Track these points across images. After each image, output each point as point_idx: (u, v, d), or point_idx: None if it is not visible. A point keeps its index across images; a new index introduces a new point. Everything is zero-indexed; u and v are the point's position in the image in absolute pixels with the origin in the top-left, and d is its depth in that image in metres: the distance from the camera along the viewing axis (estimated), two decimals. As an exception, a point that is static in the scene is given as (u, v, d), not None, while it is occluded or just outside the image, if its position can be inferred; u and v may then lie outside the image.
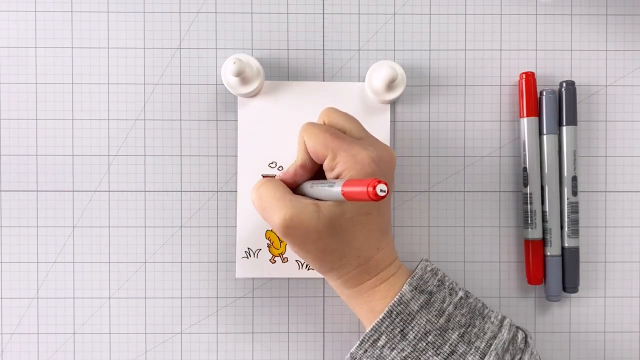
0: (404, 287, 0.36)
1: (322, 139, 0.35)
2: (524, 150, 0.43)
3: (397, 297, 0.35)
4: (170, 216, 0.44)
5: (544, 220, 0.43)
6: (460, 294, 0.37)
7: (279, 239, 0.43)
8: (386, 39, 0.44)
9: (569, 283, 0.43)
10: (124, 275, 0.43)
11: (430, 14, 0.44)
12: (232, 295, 0.44)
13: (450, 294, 0.37)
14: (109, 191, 0.43)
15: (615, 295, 0.44)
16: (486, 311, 0.37)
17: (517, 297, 0.44)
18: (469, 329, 0.36)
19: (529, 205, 0.43)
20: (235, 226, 0.43)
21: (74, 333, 0.44)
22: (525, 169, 0.43)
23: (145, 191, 0.43)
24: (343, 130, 0.37)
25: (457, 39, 0.44)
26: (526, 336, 0.37)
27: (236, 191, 0.43)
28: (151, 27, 0.43)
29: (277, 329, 0.44)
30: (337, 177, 0.35)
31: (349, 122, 0.37)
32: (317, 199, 0.35)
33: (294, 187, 0.38)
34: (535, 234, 0.43)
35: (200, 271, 0.44)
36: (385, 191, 0.27)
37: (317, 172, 0.38)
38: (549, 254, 0.43)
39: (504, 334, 0.36)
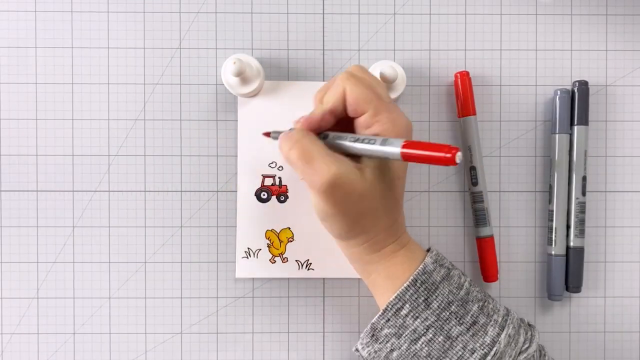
0: (427, 258, 0.36)
1: (367, 94, 0.35)
2: (470, 151, 0.42)
3: (420, 267, 0.36)
4: (170, 216, 0.44)
5: (549, 219, 0.43)
6: (469, 277, 0.38)
7: (279, 239, 0.43)
8: (386, 39, 0.44)
9: (573, 282, 0.43)
10: (124, 275, 0.43)
11: (430, 14, 0.44)
12: (232, 295, 0.44)
13: (464, 274, 0.38)
14: (109, 191, 0.43)
15: (615, 295, 0.44)
16: (492, 296, 0.39)
17: (516, 297, 0.44)
18: (486, 304, 0.37)
19: (477, 204, 0.43)
20: (235, 226, 0.43)
21: (74, 333, 0.44)
22: (473, 167, 0.43)
23: (145, 191, 0.43)
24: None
25: (457, 39, 0.44)
26: (528, 322, 0.39)
27: (236, 191, 0.43)
28: (151, 27, 0.43)
29: (277, 329, 0.44)
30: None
31: (381, 87, 0.37)
32: (348, 155, 0.34)
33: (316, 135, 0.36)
34: (486, 231, 0.43)
35: (200, 271, 0.44)
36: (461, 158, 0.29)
37: (337, 123, 0.37)
38: (553, 253, 0.43)
39: (514, 314, 0.37)
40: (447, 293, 0.35)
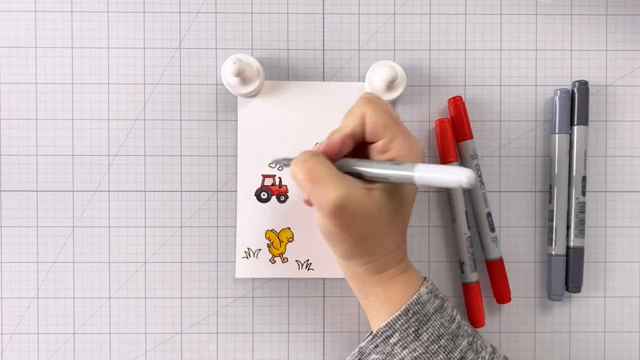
0: (422, 288, 0.36)
1: (385, 119, 0.35)
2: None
3: (414, 296, 0.35)
4: (170, 216, 0.44)
5: (549, 219, 0.43)
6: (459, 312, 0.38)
7: (279, 239, 0.43)
8: (386, 39, 0.44)
9: (573, 283, 0.43)
10: (124, 275, 0.43)
11: (430, 14, 0.44)
12: (232, 295, 0.44)
13: (456, 307, 0.38)
14: (109, 191, 0.43)
15: (615, 295, 0.44)
16: (479, 333, 0.38)
17: (517, 297, 0.44)
18: (475, 339, 0.36)
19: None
20: (235, 226, 0.43)
21: (74, 333, 0.44)
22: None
23: (145, 191, 0.43)
24: None
25: (457, 39, 0.44)
26: None
27: (236, 191, 0.43)
28: (151, 27, 0.43)
29: (277, 329, 0.44)
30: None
31: (395, 113, 0.37)
32: (363, 179, 0.34)
33: (333, 160, 0.36)
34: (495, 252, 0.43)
35: (200, 271, 0.44)
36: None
37: (355, 148, 0.37)
38: (553, 253, 0.43)
39: (500, 353, 0.37)
40: (438, 326, 0.35)
